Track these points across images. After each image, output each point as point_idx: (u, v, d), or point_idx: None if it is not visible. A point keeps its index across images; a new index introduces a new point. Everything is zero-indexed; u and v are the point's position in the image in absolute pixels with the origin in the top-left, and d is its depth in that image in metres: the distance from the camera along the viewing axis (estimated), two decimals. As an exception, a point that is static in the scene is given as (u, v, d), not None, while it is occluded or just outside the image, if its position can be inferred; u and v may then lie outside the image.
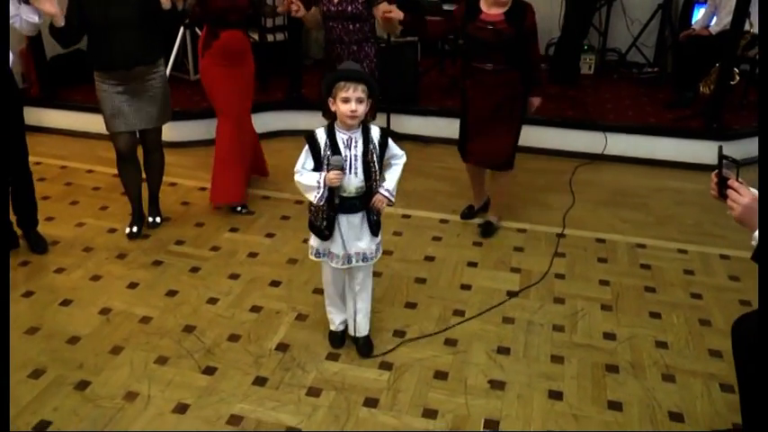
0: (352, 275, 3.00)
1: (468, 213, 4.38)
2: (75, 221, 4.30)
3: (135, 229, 4.13)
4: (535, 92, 3.94)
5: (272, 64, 6.07)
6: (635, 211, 4.52)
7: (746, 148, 4.87)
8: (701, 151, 5.10)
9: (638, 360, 3.11)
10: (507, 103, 3.85)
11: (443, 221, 4.34)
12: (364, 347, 3.12)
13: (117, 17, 3.59)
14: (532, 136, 5.40)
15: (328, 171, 2.69)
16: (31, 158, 5.15)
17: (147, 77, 3.81)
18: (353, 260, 2.90)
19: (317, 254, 2.94)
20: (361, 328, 3.11)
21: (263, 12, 4.56)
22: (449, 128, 5.53)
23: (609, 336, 3.27)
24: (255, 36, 5.98)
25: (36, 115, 5.78)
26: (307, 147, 2.74)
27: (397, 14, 3.89)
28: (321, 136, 2.73)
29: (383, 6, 3.90)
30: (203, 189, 4.73)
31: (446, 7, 5.58)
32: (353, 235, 2.86)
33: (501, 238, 4.15)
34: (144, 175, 4.21)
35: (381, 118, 5.07)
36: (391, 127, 5.28)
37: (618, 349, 3.18)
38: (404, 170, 2.89)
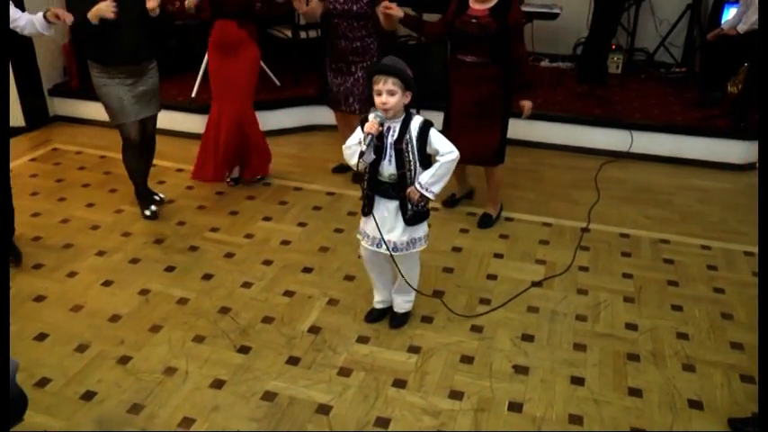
0: (396, 259, 3.11)
1: (450, 201, 4.53)
2: (114, 208, 4.47)
3: (154, 207, 4.36)
4: (523, 95, 4.02)
5: (305, 60, 6.20)
6: (659, 207, 4.58)
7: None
8: (728, 150, 5.13)
9: (658, 350, 3.18)
10: (489, 99, 3.93)
11: (471, 215, 4.44)
12: (394, 320, 3.31)
13: (126, 15, 3.74)
14: (559, 133, 5.50)
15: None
16: (72, 148, 5.41)
17: (146, 71, 4.05)
18: (383, 246, 3.02)
19: (359, 232, 3.13)
20: (398, 306, 3.30)
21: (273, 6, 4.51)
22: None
23: (631, 326, 3.35)
24: (288, 32, 6.13)
25: (77, 107, 6.00)
26: (359, 127, 2.87)
27: (397, 12, 3.99)
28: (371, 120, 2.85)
29: (384, 3, 4.00)
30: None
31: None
32: (388, 222, 2.99)
33: (526, 231, 4.24)
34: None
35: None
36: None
37: (639, 339, 3.26)
38: (452, 167, 2.90)
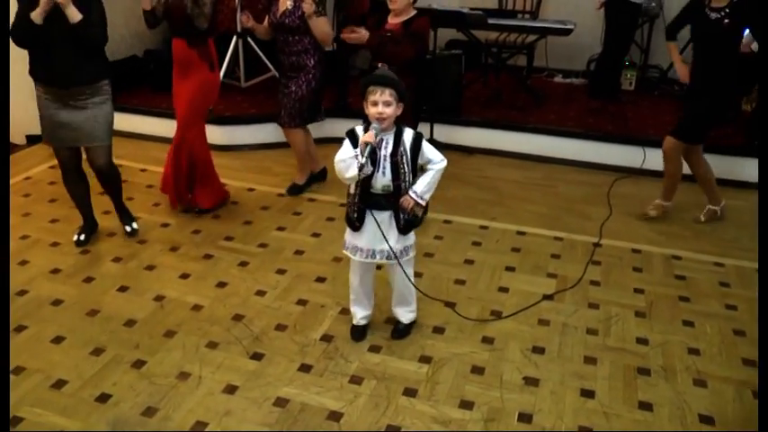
0: (389, 272, 3.16)
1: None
2: (131, 216, 4.53)
3: (82, 237, 4.14)
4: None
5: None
6: (672, 224, 4.58)
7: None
8: (741, 168, 5.13)
9: (669, 364, 3.19)
10: None
11: (483, 228, 4.46)
12: (396, 332, 3.32)
13: (56, 34, 3.55)
14: (572, 149, 5.53)
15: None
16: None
17: (86, 97, 3.76)
18: (378, 256, 3.05)
19: (346, 246, 3.13)
20: (402, 317, 3.32)
21: (198, 20, 4.06)
22: (490, 138, 5.70)
23: (641, 341, 3.35)
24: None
25: (95, 116, 6.07)
26: (347, 140, 2.90)
27: (360, 37, 4.06)
28: (360, 132, 2.89)
29: (347, 29, 4.14)
30: (251, 190, 4.96)
31: (491, 21, 5.71)
32: (380, 233, 2.99)
33: (538, 245, 4.26)
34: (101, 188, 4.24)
35: (425, 127, 5.21)
36: (434, 136, 5.43)
37: (650, 354, 3.26)
38: (441, 175, 2.98)
